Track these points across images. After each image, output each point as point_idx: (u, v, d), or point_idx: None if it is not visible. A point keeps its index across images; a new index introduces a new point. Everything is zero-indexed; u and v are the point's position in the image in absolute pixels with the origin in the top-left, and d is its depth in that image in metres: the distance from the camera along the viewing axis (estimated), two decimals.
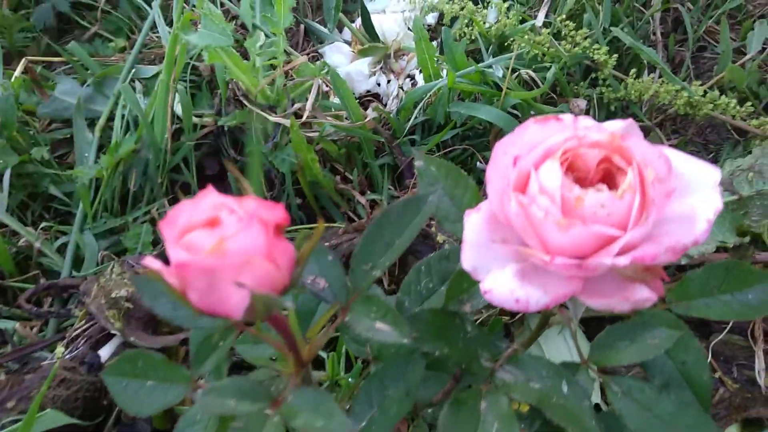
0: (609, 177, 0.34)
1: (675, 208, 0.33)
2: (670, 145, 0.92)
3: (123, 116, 0.88)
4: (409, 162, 0.91)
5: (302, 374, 0.40)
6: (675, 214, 0.33)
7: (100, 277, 0.69)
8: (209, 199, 0.29)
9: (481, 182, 0.94)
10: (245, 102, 0.86)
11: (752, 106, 0.86)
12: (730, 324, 0.70)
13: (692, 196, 0.34)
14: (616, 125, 0.36)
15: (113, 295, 0.64)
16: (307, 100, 0.87)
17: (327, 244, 0.77)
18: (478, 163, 0.89)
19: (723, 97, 0.86)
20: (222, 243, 0.27)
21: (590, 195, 0.32)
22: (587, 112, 0.90)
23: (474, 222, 0.37)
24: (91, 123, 0.92)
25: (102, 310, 0.63)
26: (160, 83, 0.82)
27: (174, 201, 0.87)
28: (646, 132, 0.92)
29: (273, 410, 0.35)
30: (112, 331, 0.62)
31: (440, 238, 0.70)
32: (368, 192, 0.94)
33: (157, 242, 0.80)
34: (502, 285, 0.34)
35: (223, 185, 0.97)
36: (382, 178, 0.93)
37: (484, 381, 0.42)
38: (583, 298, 0.33)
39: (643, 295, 0.33)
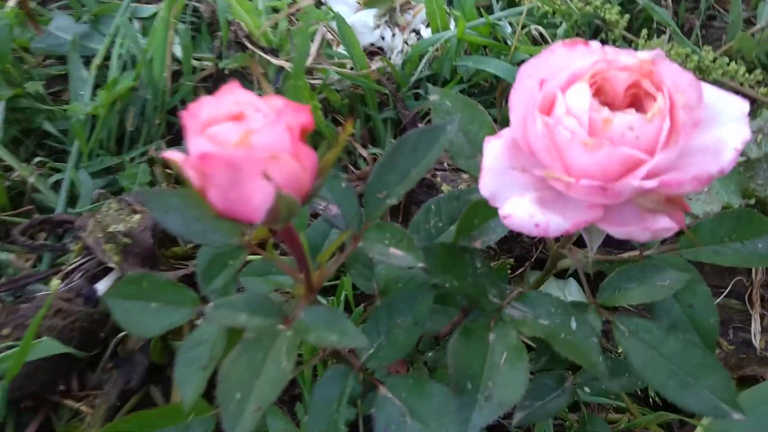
0: (638, 103, 0.33)
1: (702, 139, 0.33)
2: None
3: (120, 55, 0.86)
4: (412, 117, 0.90)
5: (312, 298, 0.39)
6: (702, 145, 0.33)
7: (96, 214, 0.68)
8: (233, 95, 0.28)
9: None
10: (247, 44, 0.84)
11: (761, 74, 0.85)
12: (729, 287, 0.70)
13: (720, 128, 0.33)
14: (644, 53, 0.35)
15: (110, 229, 0.63)
16: (311, 45, 0.85)
17: None
18: None
19: (732, 63, 0.85)
20: (248, 136, 0.26)
21: (619, 117, 0.31)
22: None
23: (494, 148, 0.36)
24: (87, 61, 0.89)
25: (99, 244, 0.62)
26: (160, 21, 0.80)
27: (172, 142, 0.85)
28: None
29: (285, 326, 0.35)
30: (110, 265, 0.61)
31: (445, 188, 0.69)
32: (370, 146, 0.92)
33: (154, 183, 0.78)
34: (522, 210, 0.33)
35: None
36: (384, 132, 0.92)
37: (492, 316, 0.42)
38: (603, 225, 0.33)
39: (665, 224, 0.32)
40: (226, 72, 0.87)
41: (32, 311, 0.57)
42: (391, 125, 0.93)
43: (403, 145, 0.41)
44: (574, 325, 0.40)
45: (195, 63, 0.89)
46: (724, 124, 0.33)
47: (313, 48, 0.85)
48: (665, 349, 0.40)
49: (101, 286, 0.62)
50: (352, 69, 0.89)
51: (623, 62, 0.33)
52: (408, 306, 0.41)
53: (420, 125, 0.89)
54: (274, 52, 0.84)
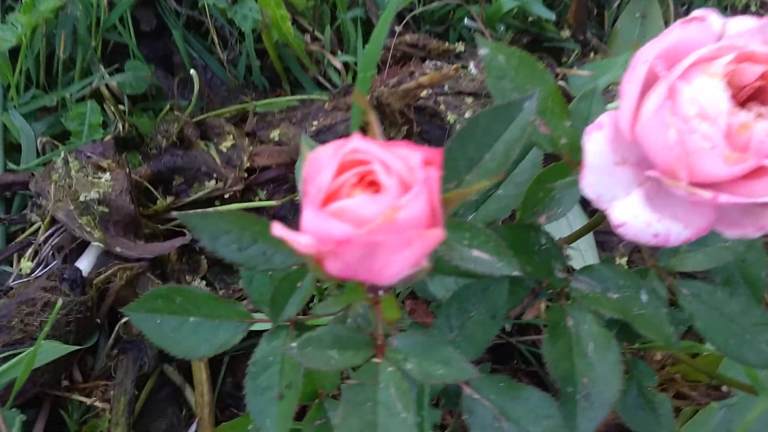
0: (761, 94, 0.30)
1: None
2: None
3: None
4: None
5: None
6: None
7: (52, 173, 0.58)
8: (352, 143, 0.22)
9: (461, 39, 0.86)
10: None
11: None
12: None
13: None
14: (748, 23, 0.31)
15: (82, 198, 0.54)
16: None
17: (315, 123, 0.68)
18: (466, 19, 0.81)
19: None
20: (394, 213, 0.21)
21: (760, 124, 0.28)
22: None
23: (596, 141, 0.32)
24: None
25: (73, 218, 0.53)
26: None
27: (116, 71, 0.72)
28: None
29: (379, 357, 0.32)
30: (93, 242, 0.53)
31: (450, 117, 0.64)
32: (339, 52, 0.83)
33: (107, 123, 0.67)
34: (636, 218, 0.31)
35: (163, 43, 0.82)
36: (355, 35, 0.82)
37: (559, 292, 0.40)
38: (719, 227, 0.31)
39: None
40: None
41: (13, 309, 0.49)
42: (361, 26, 0.84)
43: (473, 126, 0.36)
44: (644, 297, 0.40)
45: None
46: None
47: None
48: (727, 310, 0.41)
49: (83, 265, 0.54)
50: None
51: (754, 50, 0.29)
52: (480, 297, 0.39)
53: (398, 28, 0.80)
54: None
